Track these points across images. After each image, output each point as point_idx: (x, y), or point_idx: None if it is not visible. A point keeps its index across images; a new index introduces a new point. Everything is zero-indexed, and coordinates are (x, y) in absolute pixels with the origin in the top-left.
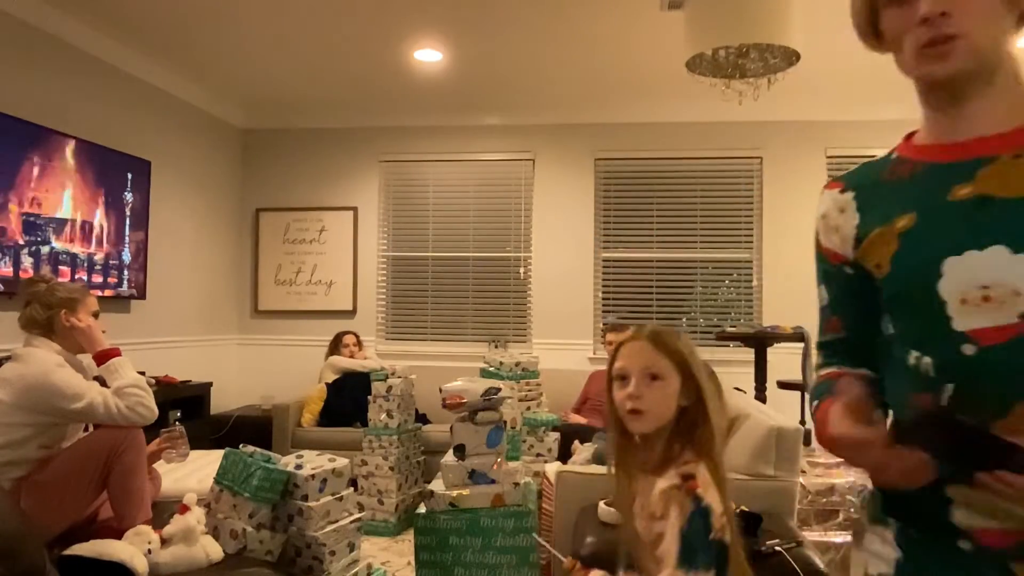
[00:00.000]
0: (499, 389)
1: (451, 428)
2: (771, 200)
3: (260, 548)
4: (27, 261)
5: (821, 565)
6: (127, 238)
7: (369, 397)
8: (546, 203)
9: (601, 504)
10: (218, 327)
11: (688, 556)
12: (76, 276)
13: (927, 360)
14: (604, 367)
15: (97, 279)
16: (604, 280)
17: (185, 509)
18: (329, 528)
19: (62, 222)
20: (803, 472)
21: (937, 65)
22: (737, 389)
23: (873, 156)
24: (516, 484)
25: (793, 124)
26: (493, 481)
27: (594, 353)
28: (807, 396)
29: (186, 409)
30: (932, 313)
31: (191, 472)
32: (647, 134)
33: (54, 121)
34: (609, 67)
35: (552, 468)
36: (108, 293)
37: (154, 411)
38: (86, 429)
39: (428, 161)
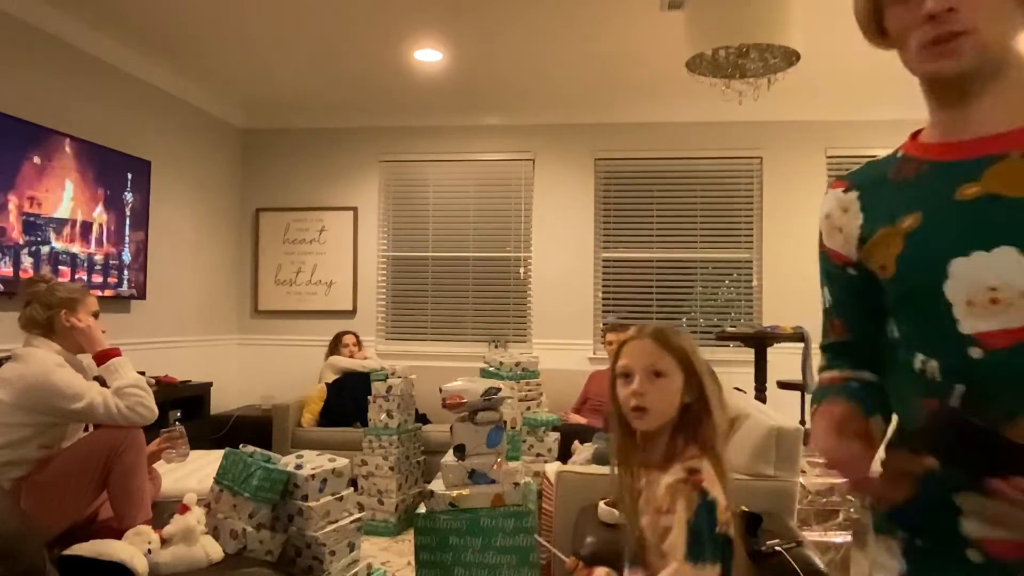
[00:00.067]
0: (499, 389)
1: (451, 428)
2: (771, 200)
3: (260, 548)
4: (27, 261)
5: (821, 565)
6: (127, 238)
7: (369, 397)
8: (546, 203)
9: (601, 504)
10: (218, 327)
11: (695, 549)
12: (76, 276)
13: (933, 364)
14: (604, 367)
15: (97, 279)
16: (604, 280)
17: (185, 509)
18: (329, 528)
19: (62, 222)
20: (803, 472)
21: (944, 63)
22: (737, 389)
23: (873, 156)
24: (516, 484)
25: (793, 124)
26: (493, 481)
27: (594, 353)
28: (808, 396)
29: (186, 409)
30: (938, 315)
31: (191, 472)
32: (647, 134)
33: (54, 121)
34: (609, 67)
35: (552, 468)
36: (108, 293)
37: (154, 411)
38: (86, 429)
39: (428, 161)
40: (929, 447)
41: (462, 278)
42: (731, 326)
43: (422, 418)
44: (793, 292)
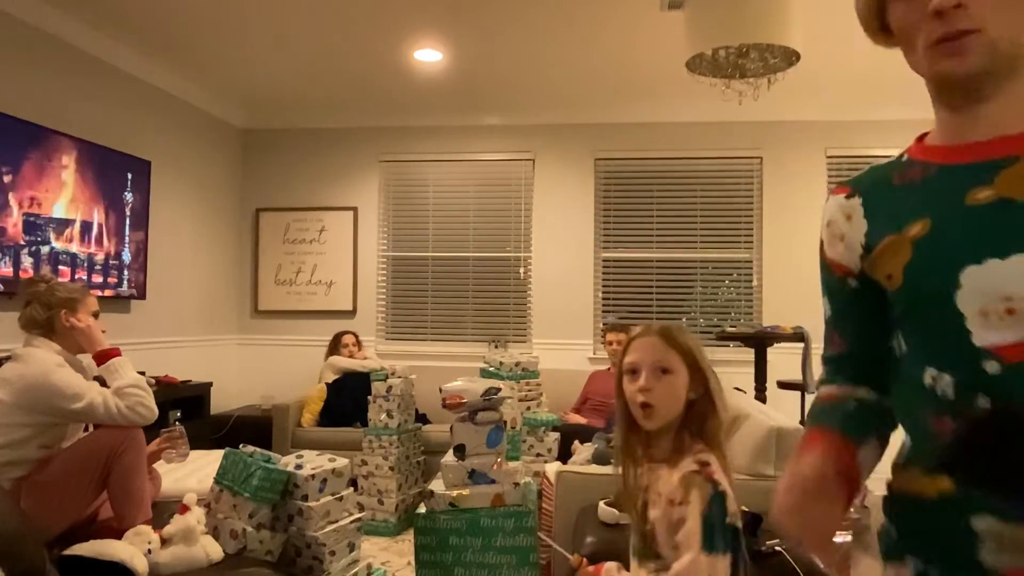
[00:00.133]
0: (499, 389)
1: (451, 428)
2: (771, 200)
3: (260, 548)
4: (27, 261)
5: (821, 565)
6: (127, 238)
7: (369, 397)
8: (546, 203)
9: (601, 504)
10: (218, 327)
11: (709, 539)
12: (76, 276)
13: (945, 378)
14: (604, 367)
15: (97, 279)
16: (604, 280)
17: (185, 509)
18: (329, 528)
19: (62, 222)
20: None
21: (953, 62)
22: (737, 389)
23: (874, 156)
24: (516, 484)
25: (793, 124)
26: (493, 481)
27: (594, 353)
28: (808, 397)
29: (186, 409)
30: (949, 328)
31: (191, 472)
32: (647, 134)
33: (54, 121)
34: (609, 67)
35: (552, 468)
36: (108, 293)
37: (154, 411)
38: (86, 429)
39: (428, 161)
40: (965, 463)
41: (462, 278)
42: (731, 326)
43: (422, 418)
44: (793, 292)
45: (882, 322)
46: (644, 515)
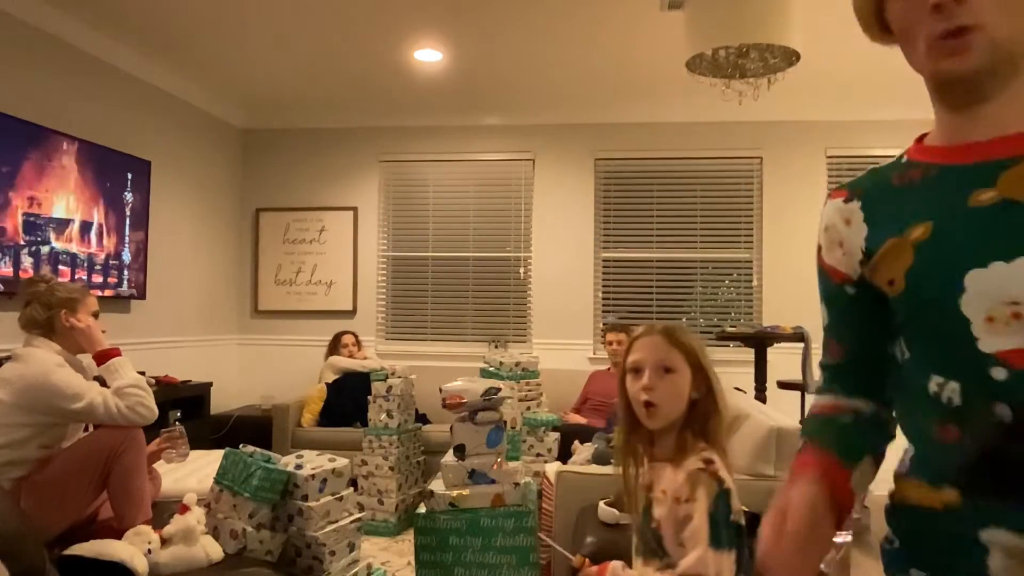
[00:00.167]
0: (499, 389)
1: (451, 428)
2: (771, 200)
3: (260, 548)
4: (27, 261)
5: (821, 565)
6: (127, 238)
7: (369, 397)
8: (546, 203)
9: (601, 504)
10: (218, 327)
11: (716, 536)
12: (76, 276)
13: (952, 386)
14: (604, 367)
15: (97, 279)
16: (604, 280)
17: (185, 509)
18: (329, 528)
19: (62, 222)
20: None
21: (954, 60)
22: (737, 389)
23: (873, 156)
24: (516, 484)
25: (793, 124)
26: (493, 481)
27: (594, 353)
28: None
29: (186, 409)
30: (954, 333)
31: (191, 472)
32: (647, 134)
33: (54, 121)
34: (609, 67)
35: (552, 468)
36: (108, 293)
37: (154, 411)
38: (86, 429)
39: (428, 161)
40: (985, 475)
41: (462, 278)
42: (731, 326)
43: (422, 418)
44: (793, 292)
45: (881, 330)
46: (649, 514)
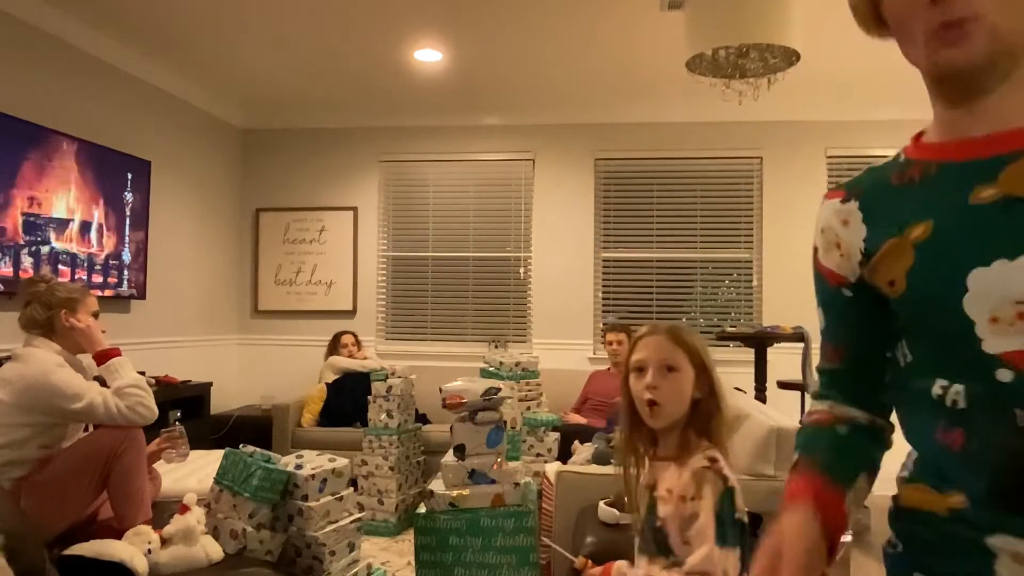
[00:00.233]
0: (499, 389)
1: (451, 428)
2: (771, 200)
3: (260, 548)
4: (27, 261)
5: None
6: (127, 238)
7: (369, 397)
8: (546, 203)
9: (601, 504)
10: (218, 327)
11: (722, 534)
12: (76, 276)
13: (956, 389)
14: (604, 367)
15: (97, 279)
16: (604, 280)
17: (185, 509)
18: (329, 528)
19: (62, 222)
20: None
21: (953, 52)
22: (737, 389)
23: (874, 156)
24: (516, 484)
25: (793, 124)
26: (493, 481)
27: (594, 353)
28: (808, 398)
29: (186, 409)
30: (957, 335)
31: (191, 472)
32: (647, 134)
33: (54, 121)
34: (609, 67)
35: (552, 468)
36: (108, 293)
37: (154, 411)
38: (86, 429)
39: (428, 161)
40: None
41: (462, 278)
42: (731, 326)
43: (422, 418)
44: (793, 292)
45: (880, 333)
46: (653, 513)
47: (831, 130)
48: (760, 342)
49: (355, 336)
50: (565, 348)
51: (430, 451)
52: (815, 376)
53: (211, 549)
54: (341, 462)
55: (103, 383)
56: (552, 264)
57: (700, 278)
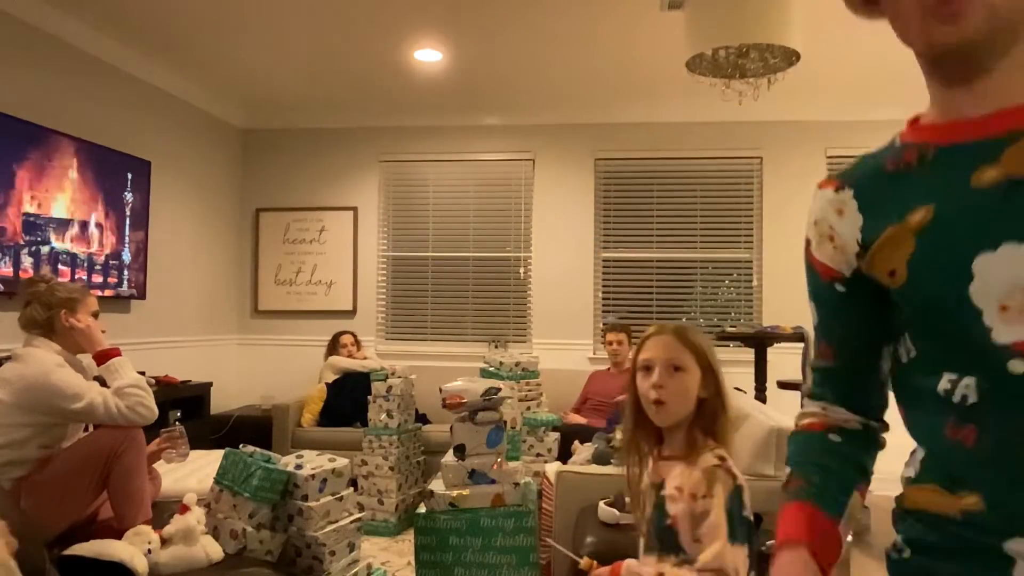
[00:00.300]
0: (499, 389)
1: (451, 428)
2: (771, 200)
3: (260, 548)
4: (27, 261)
5: None
6: (127, 238)
7: (369, 397)
8: (546, 203)
9: (601, 504)
10: (218, 327)
11: (731, 530)
12: (76, 276)
13: (966, 383)
14: (604, 367)
15: (97, 279)
16: (604, 280)
17: (185, 509)
18: (329, 528)
19: (62, 222)
20: None
21: (949, 29)
22: (737, 389)
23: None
24: (516, 484)
25: (793, 124)
26: (493, 481)
27: (594, 353)
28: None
29: (186, 409)
30: (964, 325)
31: (191, 472)
32: (647, 134)
33: (54, 121)
34: (609, 67)
35: (552, 468)
36: (108, 293)
37: (154, 411)
38: (86, 429)
39: (428, 161)
40: None
41: (462, 278)
42: (731, 326)
43: (422, 418)
44: (793, 292)
45: (875, 330)
46: (663, 511)
47: (831, 130)
48: (760, 342)
49: (354, 336)
50: (565, 348)
51: (430, 451)
52: (805, 395)
53: (211, 549)
54: (341, 462)
55: (103, 383)
56: (552, 264)
57: (700, 278)
